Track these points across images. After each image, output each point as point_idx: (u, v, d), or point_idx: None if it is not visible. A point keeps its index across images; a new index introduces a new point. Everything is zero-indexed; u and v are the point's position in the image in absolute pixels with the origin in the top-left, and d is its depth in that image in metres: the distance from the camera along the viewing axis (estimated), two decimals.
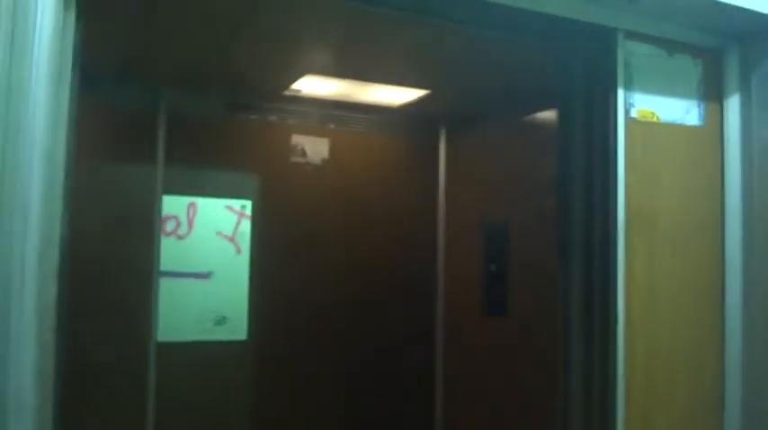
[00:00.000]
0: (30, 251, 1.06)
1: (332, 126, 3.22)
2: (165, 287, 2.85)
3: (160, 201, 2.83)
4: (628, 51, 1.76)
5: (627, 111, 1.75)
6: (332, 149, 3.20)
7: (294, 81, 2.77)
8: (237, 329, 3.02)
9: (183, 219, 2.96)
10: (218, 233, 3.02)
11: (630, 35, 1.77)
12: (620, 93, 1.74)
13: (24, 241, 1.04)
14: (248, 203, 3.07)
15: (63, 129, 1.13)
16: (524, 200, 2.85)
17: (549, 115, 2.69)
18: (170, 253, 2.89)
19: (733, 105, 1.91)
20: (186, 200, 2.97)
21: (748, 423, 1.84)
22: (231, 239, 3.04)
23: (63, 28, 1.14)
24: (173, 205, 2.92)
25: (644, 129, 1.78)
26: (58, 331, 1.10)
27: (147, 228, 2.81)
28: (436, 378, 3.41)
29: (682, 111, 1.85)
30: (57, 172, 1.11)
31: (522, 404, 2.79)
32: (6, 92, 1.03)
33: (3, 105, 1.02)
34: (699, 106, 1.88)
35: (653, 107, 1.80)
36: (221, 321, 2.99)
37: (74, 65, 1.16)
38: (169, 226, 2.93)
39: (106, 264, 2.67)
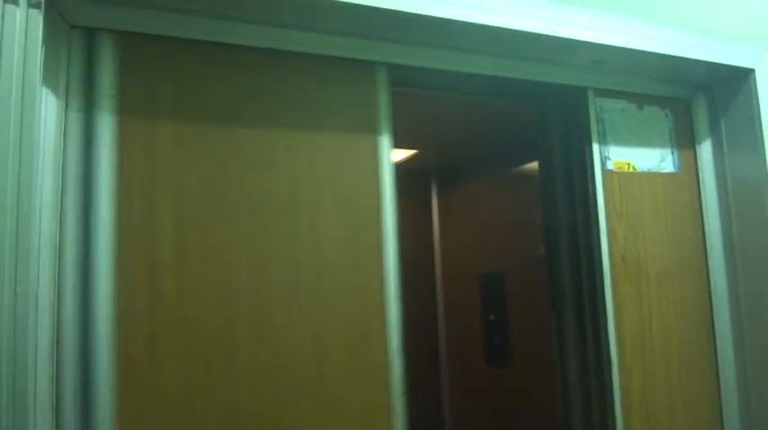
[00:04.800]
0: (42, 340, 1.13)
1: None
2: None
3: None
4: (599, 107, 1.86)
5: (603, 164, 1.83)
6: None
7: None
8: None
9: None
10: None
11: (600, 92, 1.86)
12: (596, 147, 1.82)
13: (36, 331, 1.11)
14: None
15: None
16: (518, 249, 2.92)
17: (536, 166, 2.78)
18: None
19: (705, 150, 2.00)
20: None
21: None
22: None
23: (66, 126, 1.23)
24: None
25: (621, 180, 1.86)
26: None
27: None
28: None
29: (657, 159, 1.93)
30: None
31: None
32: (17, 188, 1.10)
33: (14, 197, 1.09)
34: (672, 154, 1.96)
35: (628, 158, 1.88)
36: None
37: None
38: None
39: None
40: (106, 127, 1.28)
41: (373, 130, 1.57)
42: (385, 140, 1.58)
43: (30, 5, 1.11)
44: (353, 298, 1.46)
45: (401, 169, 3.24)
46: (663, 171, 1.94)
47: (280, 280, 1.39)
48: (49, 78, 1.19)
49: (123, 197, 1.27)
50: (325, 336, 1.42)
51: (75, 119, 1.25)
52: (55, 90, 1.21)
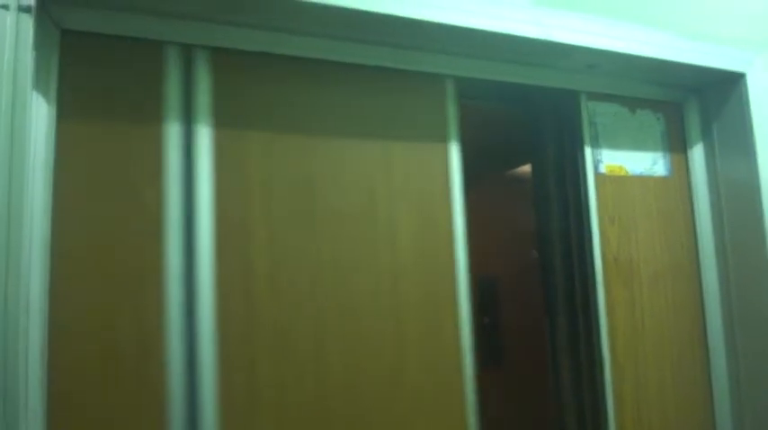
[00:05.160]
0: (33, 343, 1.13)
1: None
2: None
3: None
4: (591, 111, 1.86)
5: (596, 167, 1.83)
6: None
7: None
8: None
9: None
10: None
11: (593, 96, 1.87)
12: (588, 150, 1.83)
13: (27, 335, 1.11)
14: None
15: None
16: (512, 251, 2.92)
17: (528, 169, 2.78)
18: None
19: (697, 154, 2.00)
20: None
21: None
22: None
23: (57, 131, 1.23)
24: None
25: (614, 183, 1.86)
26: None
27: None
28: None
29: (649, 163, 1.93)
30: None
31: None
32: (8, 192, 1.10)
33: (5, 201, 1.09)
34: (665, 157, 1.97)
35: (621, 161, 1.88)
36: None
37: None
38: None
39: None
40: (204, 139, 1.36)
41: (444, 140, 1.66)
42: (454, 149, 1.67)
43: (20, 9, 1.11)
44: (428, 296, 1.57)
45: None
46: (655, 174, 1.94)
47: (362, 283, 1.49)
48: (40, 82, 1.19)
49: (221, 207, 1.35)
50: (404, 335, 1.52)
51: (176, 130, 1.34)
52: (46, 93, 1.21)
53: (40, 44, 1.16)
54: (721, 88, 1.95)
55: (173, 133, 1.33)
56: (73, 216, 1.23)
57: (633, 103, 1.94)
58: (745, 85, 1.88)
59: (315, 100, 1.49)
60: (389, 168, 1.56)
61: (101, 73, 1.29)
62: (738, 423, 1.89)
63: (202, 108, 1.36)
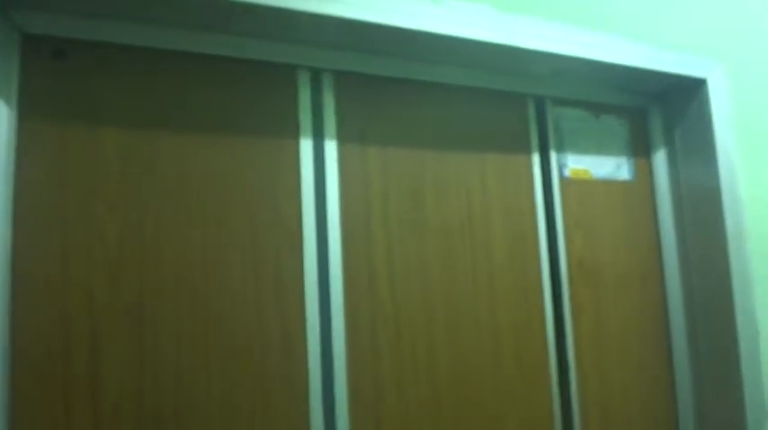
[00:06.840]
0: None
1: None
2: None
3: None
4: (557, 116, 1.89)
5: (561, 171, 1.86)
6: None
7: None
8: None
9: None
10: None
11: (558, 102, 1.90)
12: (553, 155, 1.85)
13: None
14: None
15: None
16: None
17: None
18: None
19: (660, 158, 2.04)
20: None
21: None
22: None
23: (18, 134, 1.22)
24: None
25: (578, 187, 1.89)
26: None
27: None
28: None
29: (613, 167, 1.96)
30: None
31: None
32: None
33: None
34: (628, 162, 2.00)
35: (585, 165, 1.91)
36: None
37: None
38: None
39: None
40: (331, 154, 1.53)
41: (527, 152, 1.84)
42: (536, 160, 1.85)
43: None
44: (518, 293, 1.76)
45: None
46: (619, 178, 1.98)
47: (463, 284, 1.68)
48: (2, 86, 1.18)
49: (345, 215, 1.53)
50: (498, 324, 1.72)
51: (308, 146, 1.51)
52: (7, 98, 1.20)
53: (0, 48, 1.15)
54: (683, 94, 1.98)
55: (305, 149, 1.50)
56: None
57: (597, 109, 1.97)
58: (706, 90, 1.92)
59: (424, 117, 1.68)
60: (484, 179, 1.76)
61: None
62: (701, 424, 1.93)
63: (329, 125, 1.53)
